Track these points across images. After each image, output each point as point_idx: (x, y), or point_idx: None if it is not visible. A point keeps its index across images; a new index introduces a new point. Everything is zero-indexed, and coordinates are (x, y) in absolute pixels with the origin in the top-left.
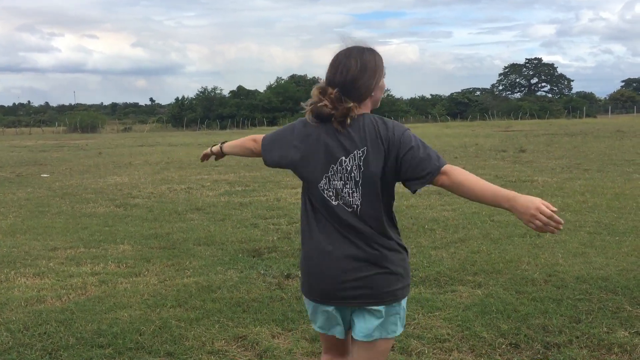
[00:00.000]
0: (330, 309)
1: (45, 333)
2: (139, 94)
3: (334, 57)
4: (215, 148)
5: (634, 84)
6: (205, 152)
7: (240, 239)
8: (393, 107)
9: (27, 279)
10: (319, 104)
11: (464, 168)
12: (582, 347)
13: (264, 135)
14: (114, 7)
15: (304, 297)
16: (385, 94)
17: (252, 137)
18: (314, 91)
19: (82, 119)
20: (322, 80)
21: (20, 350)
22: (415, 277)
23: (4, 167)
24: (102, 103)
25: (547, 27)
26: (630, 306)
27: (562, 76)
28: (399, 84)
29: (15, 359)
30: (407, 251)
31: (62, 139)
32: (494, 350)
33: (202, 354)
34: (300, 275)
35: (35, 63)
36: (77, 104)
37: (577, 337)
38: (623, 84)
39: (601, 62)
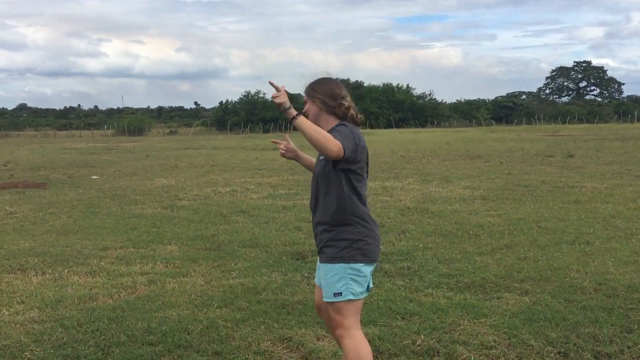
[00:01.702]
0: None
1: (97, 330)
2: (183, 97)
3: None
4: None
5: None
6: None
7: (284, 241)
8: (436, 112)
9: (79, 277)
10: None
11: (509, 173)
12: (634, 357)
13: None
14: (158, 13)
15: (363, 266)
16: (428, 98)
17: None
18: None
19: (129, 122)
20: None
21: (74, 346)
22: (459, 283)
23: (57, 168)
24: (148, 107)
25: (596, 30)
26: None
27: (612, 79)
28: (442, 88)
29: (69, 354)
30: None
31: (110, 142)
32: (542, 359)
33: (248, 354)
34: (360, 248)
35: (84, 68)
36: (125, 107)
37: (629, 347)
38: None
39: None
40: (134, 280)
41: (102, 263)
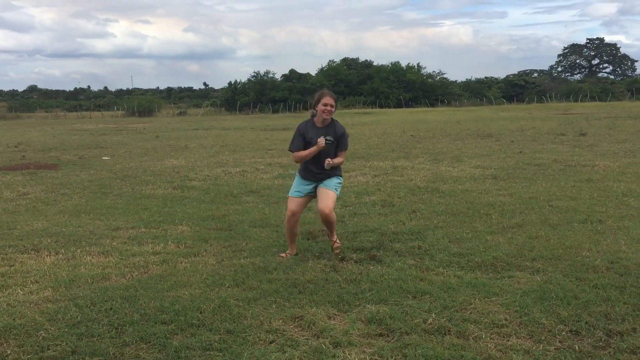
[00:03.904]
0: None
1: (111, 309)
2: (192, 78)
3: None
4: None
5: None
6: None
7: None
8: (447, 90)
9: (92, 257)
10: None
11: (520, 152)
12: None
13: None
14: None
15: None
16: (438, 77)
17: None
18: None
19: (139, 103)
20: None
21: (88, 324)
22: (470, 262)
23: (68, 150)
24: (157, 87)
25: (608, 6)
26: None
27: (625, 57)
28: (452, 67)
29: (84, 333)
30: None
31: (121, 123)
32: (554, 337)
33: (260, 332)
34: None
35: (93, 49)
36: (134, 88)
37: None
38: None
39: None
40: (146, 260)
41: (115, 243)
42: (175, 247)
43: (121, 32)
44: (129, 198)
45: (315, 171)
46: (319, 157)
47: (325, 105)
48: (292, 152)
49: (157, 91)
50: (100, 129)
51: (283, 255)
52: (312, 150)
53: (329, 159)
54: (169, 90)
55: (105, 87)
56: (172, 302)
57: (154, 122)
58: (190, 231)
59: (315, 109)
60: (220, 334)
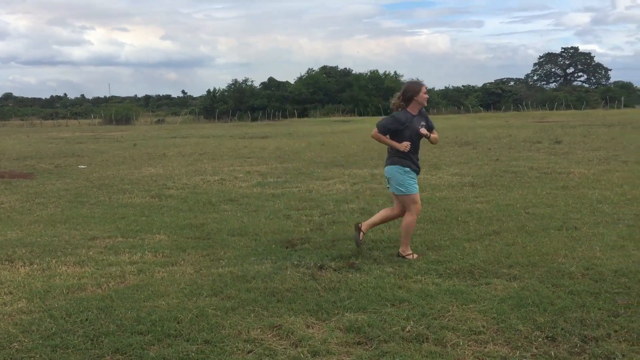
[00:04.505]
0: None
1: (86, 320)
2: (171, 86)
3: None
4: None
5: None
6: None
7: (273, 229)
8: None
9: (68, 268)
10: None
11: (497, 160)
12: (621, 341)
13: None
14: (141, 1)
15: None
16: None
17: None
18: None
19: (116, 111)
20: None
21: (63, 336)
22: (448, 270)
23: (44, 158)
24: (135, 95)
25: (582, 16)
26: None
27: (599, 65)
28: (429, 75)
29: (58, 344)
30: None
31: (97, 131)
32: (530, 343)
33: (238, 342)
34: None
35: (69, 56)
36: (112, 96)
37: (616, 331)
38: None
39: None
40: (123, 269)
41: (91, 253)
42: (153, 257)
43: (98, 39)
44: (106, 207)
45: (417, 162)
46: (416, 147)
47: (425, 93)
48: (380, 134)
49: (134, 99)
50: (77, 137)
51: (415, 256)
52: (402, 145)
53: (431, 134)
54: (147, 98)
55: (82, 95)
56: (149, 313)
57: (131, 130)
58: (168, 240)
59: (401, 102)
60: (197, 344)
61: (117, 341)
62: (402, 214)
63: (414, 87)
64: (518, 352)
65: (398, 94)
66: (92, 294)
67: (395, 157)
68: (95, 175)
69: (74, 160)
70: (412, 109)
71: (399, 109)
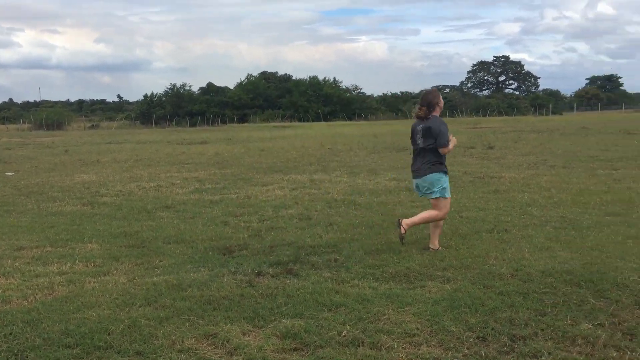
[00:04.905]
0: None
1: (11, 334)
2: (105, 90)
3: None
4: None
5: (598, 82)
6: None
7: (210, 236)
8: (363, 105)
9: None
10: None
11: None
12: (547, 340)
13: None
14: (73, 2)
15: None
16: (355, 92)
17: None
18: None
19: (47, 115)
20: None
21: None
22: (385, 273)
23: None
24: (68, 100)
25: (512, 26)
26: (594, 299)
27: (528, 74)
28: (368, 82)
29: None
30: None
31: (27, 137)
32: (462, 344)
33: (172, 353)
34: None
35: None
36: (43, 100)
37: (543, 330)
38: (588, 81)
39: (566, 60)
40: (51, 280)
41: (17, 264)
42: (84, 267)
43: (27, 41)
44: (34, 216)
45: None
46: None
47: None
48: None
49: (67, 103)
50: (5, 142)
51: (439, 247)
52: (453, 142)
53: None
54: (80, 102)
55: (11, 99)
56: (78, 325)
57: (63, 135)
58: (100, 249)
59: (426, 110)
60: (129, 356)
61: (43, 355)
62: (445, 215)
63: (436, 93)
64: (450, 353)
65: (418, 105)
66: (18, 306)
67: (438, 164)
68: (23, 182)
69: (0, 167)
70: (436, 113)
71: (429, 117)
